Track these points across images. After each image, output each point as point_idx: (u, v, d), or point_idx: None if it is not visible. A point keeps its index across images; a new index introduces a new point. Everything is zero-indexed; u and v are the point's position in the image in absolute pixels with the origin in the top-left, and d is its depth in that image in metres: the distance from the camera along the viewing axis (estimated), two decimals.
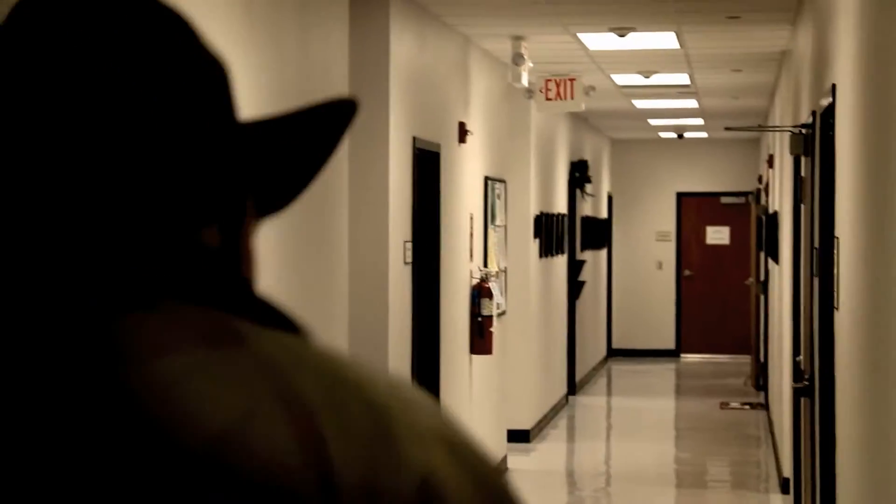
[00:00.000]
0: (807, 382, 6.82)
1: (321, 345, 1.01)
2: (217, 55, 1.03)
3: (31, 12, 0.99)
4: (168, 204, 0.98)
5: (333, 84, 6.64)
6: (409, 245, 8.35)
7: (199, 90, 1.00)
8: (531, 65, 10.27)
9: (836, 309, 5.46)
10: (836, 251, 5.42)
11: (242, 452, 0.92)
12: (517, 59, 10.02)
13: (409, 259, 8.36)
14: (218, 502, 0.91)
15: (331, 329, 6.64)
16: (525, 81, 10.21)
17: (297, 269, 6.09)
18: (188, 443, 0.92)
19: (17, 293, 0.95)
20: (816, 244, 6.41)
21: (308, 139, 1.03)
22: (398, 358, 8.08)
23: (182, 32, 1.01)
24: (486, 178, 10.79)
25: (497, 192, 11.11)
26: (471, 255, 10.17)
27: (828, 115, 5.85)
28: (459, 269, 9.80)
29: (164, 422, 0.92)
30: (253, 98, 5.46)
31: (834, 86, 5.54)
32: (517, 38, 9.99)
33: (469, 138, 9.95)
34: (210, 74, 1.01)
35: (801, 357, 7.24)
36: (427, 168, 8.88)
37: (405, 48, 8.28)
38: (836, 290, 5.43)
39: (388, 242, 7.93)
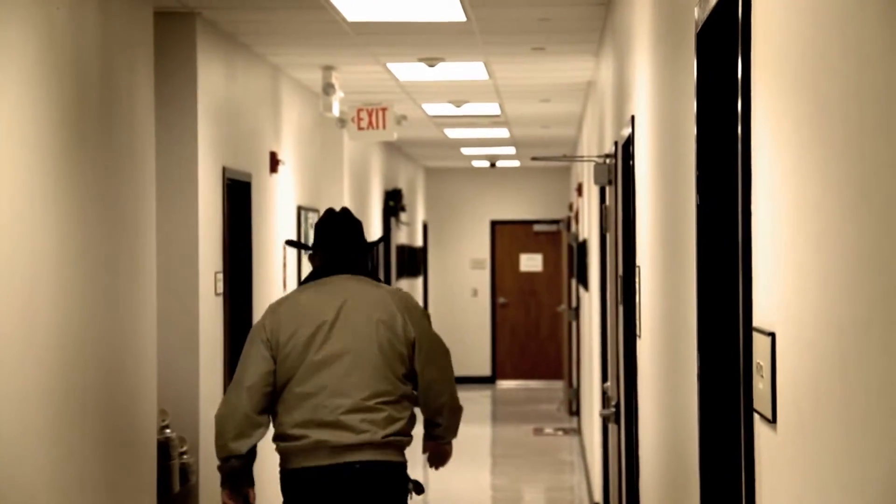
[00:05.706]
0: (614, 409, 6.92)
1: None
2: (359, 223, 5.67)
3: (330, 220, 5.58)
4: (363, 256, 5.58)
5: (137, 112, 6.55)
6: (221, 276, 8.28)
7: (361, 233, 5.57)
8: (342, 94, 10.28)
9: (639, 336, 5.55)
10: (637, 280, 5.51)
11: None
12: (328, 88, 10.02)
13: (221, 290, 8.29)
14: None
15: (139, 362, 6.53)
16: (336, 111, 10.22)
17: (105, 302, 5.98)
18: None
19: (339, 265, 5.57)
20: (621, 272, 6.51)
21: (372, 244, 5.65)
22: (210, 389, 8.00)
23: (356, 222, 5.59)
24: (299, 208, 10.77)
25: (310, 221, 11.08)
26: (284, 285, 10.12)
27: (628, 145, 5.96)
28: (273, 300, 9.72)
29: None
30: (55, 121, 5.36)
31: (633, 117, 5.65)
32: (328, 68, 10.00)
33: (281, 168, 9.92)
34: (361, 230, 5.59)
35: (609, 383, 7.34)
36: (238, 198, 8.83)
37: (213, 77, 8.22)
38: (638, 318, 5.53)
39: (199, 273, 7.85)
